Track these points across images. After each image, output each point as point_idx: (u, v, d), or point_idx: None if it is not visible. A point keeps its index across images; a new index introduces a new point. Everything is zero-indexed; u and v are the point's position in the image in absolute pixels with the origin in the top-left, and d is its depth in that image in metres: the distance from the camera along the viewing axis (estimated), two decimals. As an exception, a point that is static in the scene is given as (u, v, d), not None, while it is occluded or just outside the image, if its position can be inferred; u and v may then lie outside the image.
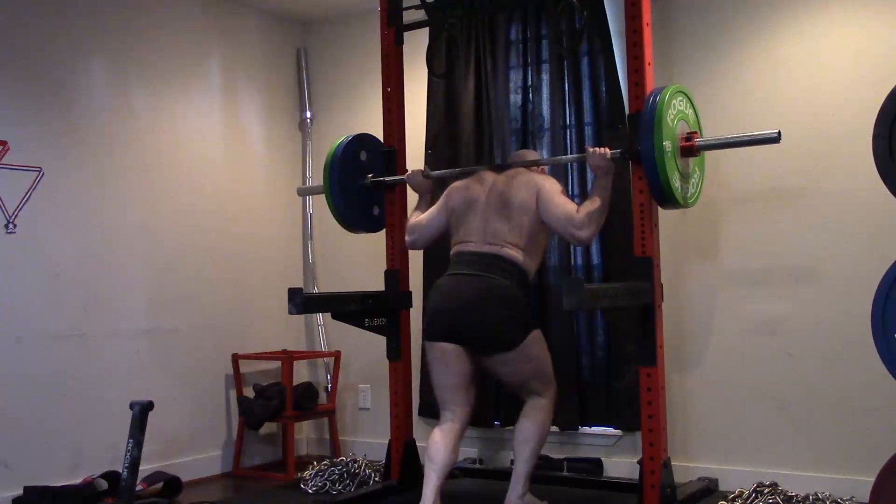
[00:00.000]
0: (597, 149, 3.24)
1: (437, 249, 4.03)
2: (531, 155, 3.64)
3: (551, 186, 3.30)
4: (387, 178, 3.87)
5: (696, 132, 3.30)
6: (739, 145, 3.26)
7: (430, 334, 3.30)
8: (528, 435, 3.26)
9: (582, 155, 3.35)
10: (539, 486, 3.49)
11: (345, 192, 3.83)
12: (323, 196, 3.91)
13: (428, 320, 3.32)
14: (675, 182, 3.16)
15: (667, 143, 3.11)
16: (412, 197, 3.88)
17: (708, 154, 3.45)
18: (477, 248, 3.30)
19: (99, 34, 4.06)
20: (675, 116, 3.19)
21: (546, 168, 3.62)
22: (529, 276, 3.32)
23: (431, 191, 3.73)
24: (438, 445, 3.14)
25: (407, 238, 3.64)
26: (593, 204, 3.20)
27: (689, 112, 3.34)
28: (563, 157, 3.95)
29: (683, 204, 3.25)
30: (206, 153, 4.56)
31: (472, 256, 3.29)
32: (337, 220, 3.89)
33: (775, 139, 3.09)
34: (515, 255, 3.25)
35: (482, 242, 3.29)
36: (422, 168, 3.74)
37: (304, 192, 4.52)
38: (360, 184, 3.88)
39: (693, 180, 3.34)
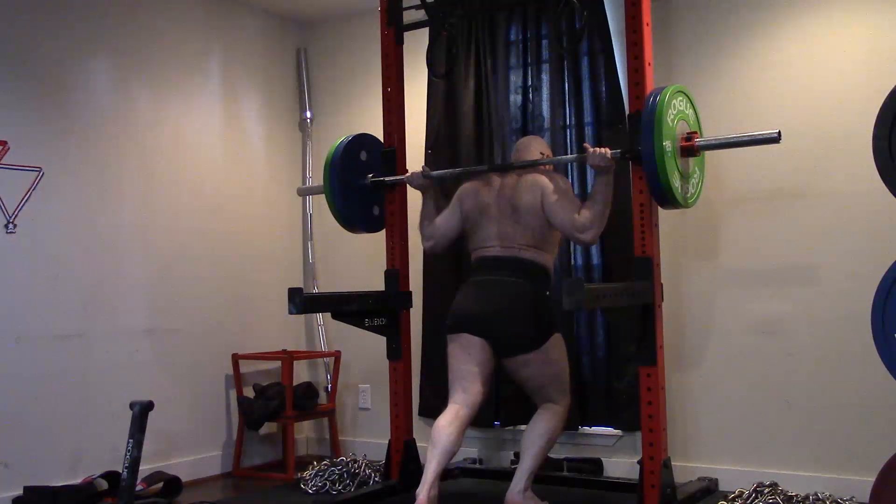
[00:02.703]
0: (597, 148, 3.25)
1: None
2: (535, 143, 3.64)
3: (555, 188, 3.33)
4: (387, 178, 3.87)
5: (696, 132, 3.30)
6: (739, 145, 3.26)
7: (455, 329, 3.34)
8: (539, 434, 3.31)
9: (582, 155, 3.36)
10: (539, 486, 3.49)
11: (345, 192, 3.83)
12: (323, 196, 3.91)
13: (452, 318, 3.36)
14: (675, 182, 3.16)
15: (667, 143, 3.11)
16: (412, 196, 3.89)
17: (708, 154, 3.45)
18: (496, 252, 3.38)
19: (99, 34, 4.06)
20: (675, 116, 3.19)
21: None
22: (550, 271, 3.41)
23: (433, 189, 3.73)
24: (443, 431, 3.14)
25: (426, 243, 3.68)
26: (594, 205, 3.23)
27: (689, 112, 3.34)
28: (563, 157, 3.95)
29: (683, 204, 3.25)
30: (206, 153, 4.56)
31: (493, 261, 3.37)
32: (337, 220, 3.89)
33: (775, 139, 3.09)
34: (533, 255, 3.34)
35: (500, 247, 3.38)
36: (421, 169, 3.74)
37: (304, 192, 4.51)
38: (360, 184, 3.88)
39: (693, 180, 3.34)
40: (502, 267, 3.34)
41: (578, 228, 3.24)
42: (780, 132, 3.08)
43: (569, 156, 4.00)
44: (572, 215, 3.25)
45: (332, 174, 3.81)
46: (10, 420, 3.60)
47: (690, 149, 3.25)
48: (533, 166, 3.46)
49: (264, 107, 4.93)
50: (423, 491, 3.03)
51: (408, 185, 3.85)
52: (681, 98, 3.27)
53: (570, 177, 4.10)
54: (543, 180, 3.36)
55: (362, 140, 3.95)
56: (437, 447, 3.10)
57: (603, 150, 3.24)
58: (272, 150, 4.96)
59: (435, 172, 3.75)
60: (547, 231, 3.36)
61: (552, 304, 3.35)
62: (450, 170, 3.88)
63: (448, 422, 3.16)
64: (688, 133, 3.27)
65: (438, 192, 3.80)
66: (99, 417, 3.90)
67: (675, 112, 3.19)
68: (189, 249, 4.40)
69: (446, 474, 3.74)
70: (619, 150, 3.25)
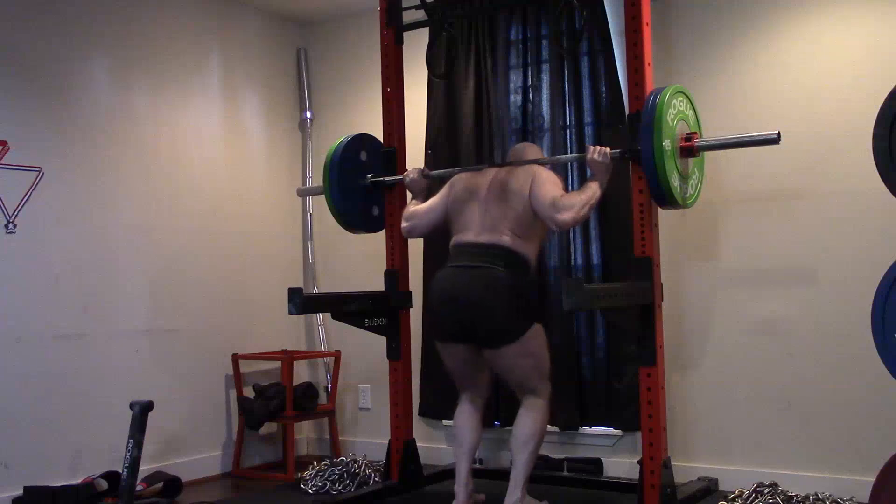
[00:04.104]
0: (597, 147, 3.25)
1: (437, 248, 4.04)
2: (531, 148, 3.64)
3: (546, 176, 3.30)
4: (387, 178, 3.88)
5: (695, 132, 3.30)
6: (739, 146, 3.26)
7: (436, 335, 3.36)
8: (526, 438, 3.23)
9: (582, 155, 3.36)
10: (539, 486, 3.49)
11: (345, 192, 3.83)
12: (323, 196, 3.91)
13: (432, 319, 3.35)
14: (675, 182, 3.16)
15: (666, 143, 3.11)
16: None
17: (707, 154, 3.45)
18: (475, 238, 3.30)
19: (99, 34, 4.06)
20: (675, 116, 3.19)
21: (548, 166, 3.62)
22: (531, 263, 3.30)
23: (426, 191, 3.72)
24: (464, 428, 3.32)
25: (404, 224, 3.61)
26: (581, 192, 3.22)
27: (689, 112, 3.34)
28: (563, 156, 3.95)
29: (682, 204, 3.25)
30: (206, 153, 4.56)
31: (471, 248, 3.28)
32: (337, 220, 3.89)
33: (775, 140, 3.09)
34: (513, 243, 3.24)
35: (480, 232, 3.29)
36: (421, 169, 3.73)
37: (304, 193, 4.51)
38: (360, 184, 3.88)
39: (692, 181, 3.34)
40: (480, 254, 3.24)
41: (557, 207, 3.15)
42: (779, 132, 3.08)
43: (569, 155, 4.00)
44: (555, 195, 3.19)
45: (332, 174, 3.81)
46: (10, 420, 3.60)
47: (690, 149, 3.25)
48: (532, 164, 3.45)
49: (264, 107, 4.93)
50: (461, 490, 3.21)
51: (407, 186, 3.85)
52: (681, 98, 3.26)
53: (569, 177, 4.10)
54: (539, 168, 3.33)
55: (362, 140, 3.95)
56: (463, 445, 3.28)
57: (604, 149, 3.25)
58: (272, 150, 4.97)
59: (434, 172, 3.74)
60: (532, 220, 3.26)
61: (532, 293, 3.32)
62: (450, 170, 3.88)
63: (465, 418, 3.35)
64: (687, 133, 3.27)
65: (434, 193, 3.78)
66: (99, 417, 3.90)
67: (674, 112, 3.19)
68: (189, 250, 4.40)
69: (447, 475, 3.75)
70: (618, 150, 3.25)
